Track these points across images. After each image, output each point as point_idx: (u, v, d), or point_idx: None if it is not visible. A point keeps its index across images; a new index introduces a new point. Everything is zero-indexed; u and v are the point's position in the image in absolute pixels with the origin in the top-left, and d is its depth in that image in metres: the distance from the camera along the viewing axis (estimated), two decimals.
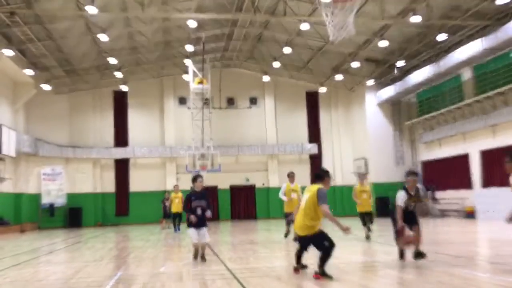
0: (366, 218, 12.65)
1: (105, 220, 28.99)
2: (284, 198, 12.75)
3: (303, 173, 28.17)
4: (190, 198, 8.83)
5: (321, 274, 6.45)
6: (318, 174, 6.93)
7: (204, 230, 8.71)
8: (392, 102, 29.11)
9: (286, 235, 13.09)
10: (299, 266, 7.12)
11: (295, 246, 10.77)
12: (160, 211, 22.51)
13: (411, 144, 29.07)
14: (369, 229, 12.49)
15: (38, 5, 18.79)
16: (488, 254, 9.59)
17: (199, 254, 8.90)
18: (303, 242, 6.84)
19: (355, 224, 19.65)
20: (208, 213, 8.72)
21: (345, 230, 6.24)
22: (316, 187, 6.66)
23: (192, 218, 8.60)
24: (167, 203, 20.99)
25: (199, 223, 8.67)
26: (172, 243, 14.24)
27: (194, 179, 8.92)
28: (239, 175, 30.72)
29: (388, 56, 26.25)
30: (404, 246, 7.65)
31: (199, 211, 8.68)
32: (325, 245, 6.44)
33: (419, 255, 7.49)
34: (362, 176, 13.19)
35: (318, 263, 6.49)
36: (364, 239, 12.26)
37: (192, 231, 8.68)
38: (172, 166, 30.06)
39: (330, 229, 7.03)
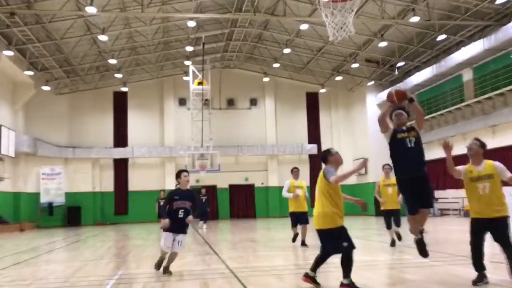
0: (393, 217, 10.00)
1: (104, 219, 28.99)
2: (289, 195, 10.94)
3: (303, 173, 28.11)
4: (172, 197, 7.19)
5: (349, 285, 5.46)
6: (321, 157, 6.11)
7: (181, 237, 7.15)
8: None
9: (294, 239, 11.31)
10: (312, 276, 5.81)
11: (298, 248, 10.81)
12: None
13: None
14: (399, 237, 10.03)
15: (37, 5, 18.78)
16: (488, 253, 9.56)
17: (163, 264, 7.30)
18: (321, 238, 5.74)
19: (354, 224, 19.67)
20: (190, 218, 7.12)
21: (362, 164, 5.65)
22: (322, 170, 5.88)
23: (166, 222, 7.03)
24: (162, 203, 20.78)
25: (178, 228, 7.10)
26: None
27: (178, 175, 7.31)
28: (239, 175, 30.75)
29: (388, 56, 26.27)
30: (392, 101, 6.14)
31: (181, 214, 7.08)
32: (343, 246, 5.50)
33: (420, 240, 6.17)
34: (387, 168, 10.13)
35: (342, 272, 5.52)
36: (389, 244, 10.10)
37: (166, 236, 7.08)
38: (171, 166, 30.05)
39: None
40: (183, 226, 7.17)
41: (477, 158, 5.74)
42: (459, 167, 5.84)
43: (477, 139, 5.85)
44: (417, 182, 6.01)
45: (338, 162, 5.96)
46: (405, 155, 6.03)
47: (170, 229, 7.07)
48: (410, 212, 6.11)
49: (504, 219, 5.55)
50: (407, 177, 6.04)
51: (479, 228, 5.66)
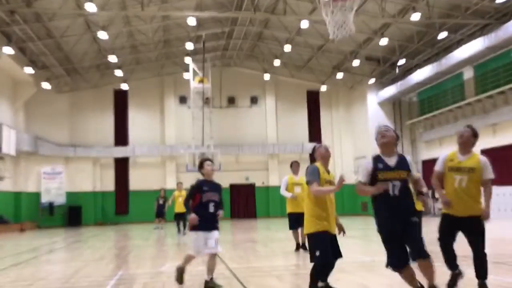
0: None
1: (105, 219, 28.99)
2: (287, 195, 9.76)
3: (303, 172, 28.12)
4: (201, 187, 6.04)
5: None
6: (311, 156, 5.59)
7: (215, 234, 5.96)
8: (393, 101, 29.10)
9: (297, 247, 9.93)
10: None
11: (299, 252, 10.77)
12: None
13: (412, 143, 29.05)
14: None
15: (37, 3, 18.77)
16: (487, 253, 9.56)
17: (207, 272, 5.95)
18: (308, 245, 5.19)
19: (354, 224, 19.65)
20: (221, 212, 6.13)
21: (341, 181, 4.69)
22: None
23: (193, 218, 5.84)
24: (161, 202, 20.56)
25: (210, 225, 5.95)
26: (172, 241, 14.21)
27: (201, 165, 6.26)
28: (240, 174, 30.73)
29: (389, 54, 26.23)
30: None
31: (211, 208, 5.97)
32: (315, 255, 4.88)
33: None
34: None
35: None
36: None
37: (197, 237, 5.91)
38: (172, 165, 30.06)
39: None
40: (215, 222, 6.05)
41: (466, 147, 5.12)
42: (441, 156, 5.29)
43: (469, 126, 5.24)
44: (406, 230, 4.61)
45: (323, 156, 5.36)
46: (388, 206, 4.53)
47: (199, 226, 5.87)
48: (393, 263, 4.81)
49: (478, 218, 5.04)
50: (394, 229, 4.63)
51: (450, 226, 5.16)
